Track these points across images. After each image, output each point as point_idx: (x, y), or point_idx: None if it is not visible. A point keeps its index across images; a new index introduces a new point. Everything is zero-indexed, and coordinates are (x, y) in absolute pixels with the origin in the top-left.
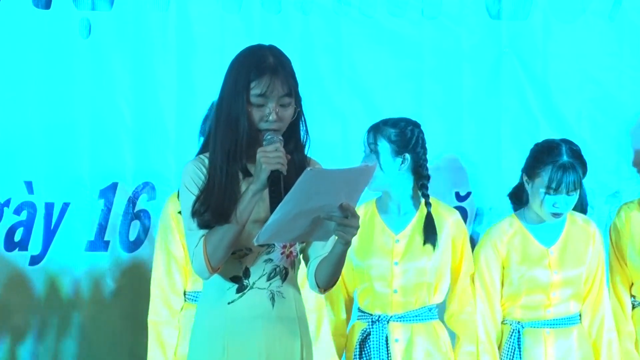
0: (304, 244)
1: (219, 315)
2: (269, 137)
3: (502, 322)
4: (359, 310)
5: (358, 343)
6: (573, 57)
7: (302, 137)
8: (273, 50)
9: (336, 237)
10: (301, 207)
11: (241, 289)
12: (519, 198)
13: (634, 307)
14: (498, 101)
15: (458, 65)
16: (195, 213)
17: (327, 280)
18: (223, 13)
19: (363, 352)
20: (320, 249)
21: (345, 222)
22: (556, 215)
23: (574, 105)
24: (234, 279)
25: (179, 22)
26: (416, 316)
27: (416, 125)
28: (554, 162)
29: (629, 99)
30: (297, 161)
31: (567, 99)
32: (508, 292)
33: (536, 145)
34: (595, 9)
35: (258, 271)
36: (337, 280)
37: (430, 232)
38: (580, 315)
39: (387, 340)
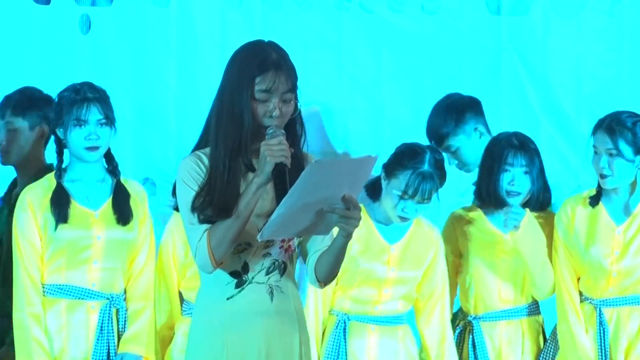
0: (302, 239)
1: (218, 311)
2: (271, 131)
3: (330, 312)
4: (191, 308)
5: None
6: (573, 53)
7: (298, 131)
8: (274, 46)
9: (335, 231)
10: (305, 200)
11: (240, 284)
12: (374, 191)
13: (581, 302)
14: (498, 97)
15: (458, 61)
16: (196, 208)
17: (327, 274)
18: (224, 9)
19: None
20: (320, 243)
21: (348, 213)
22: (403, 219)
23: (574, 101)
24: (233, 274)
25: (180, 17)
26: None
27: None
28: (415, 168)
29: (629, 95)
30: (294, 155)
31: (567, 95)
32: (342, 281)
33: (402, 145)
34: (595, 5)
35: (257, 266)
36: (337, 273)
37: None
38: (405, 316)
39: None
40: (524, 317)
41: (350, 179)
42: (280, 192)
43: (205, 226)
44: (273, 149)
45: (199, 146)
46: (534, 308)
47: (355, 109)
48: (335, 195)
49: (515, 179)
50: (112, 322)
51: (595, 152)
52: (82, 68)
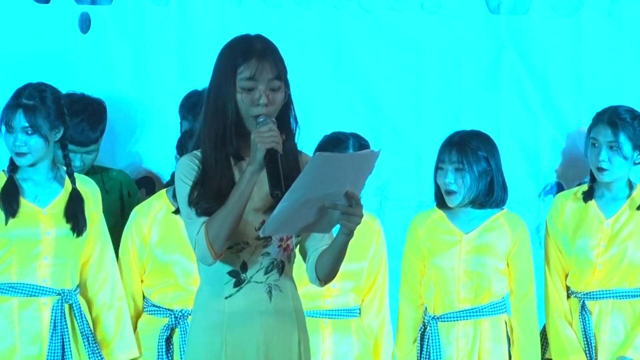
0: (300, 237)
1: (217, 310)
2: (261, 119)
3: None
4: (152, 305)
5: (164, 340)
6: (572, 52)
7: (292, 125)
8: (260, 38)
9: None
10: (308, 195)
11: (239, 283)
12: None
13: (569, 297)
14: (497, 96)
15: (457, 60)
16: (192, 202)
17: (328, 273)
18: (223, 7)
19: (170, 348)
20: (319, 242)
21: (350, 210)
22: None
23: (573, 100)
24: (232, 273)
25: (179, 16)
26: None
27: None
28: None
29: (628, 94)
30: (288, 149)
31: (566, 94)
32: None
33: (325, 137)
34: (594, 4)
35: (256, 265)
36: (337, 272)
37: None
38: (359, 310)
39: None
40: (485, 317)
41: (353, 175)
42: (273, 178)
43: (203, 219)
44: (263, 136)
45: (196, 146)
46: (496, 307)
47: (354, 108)
48: (337, 191)
49: (448, 177)
50: (65, 318)
51: (594, 145)
52: (82, 67)
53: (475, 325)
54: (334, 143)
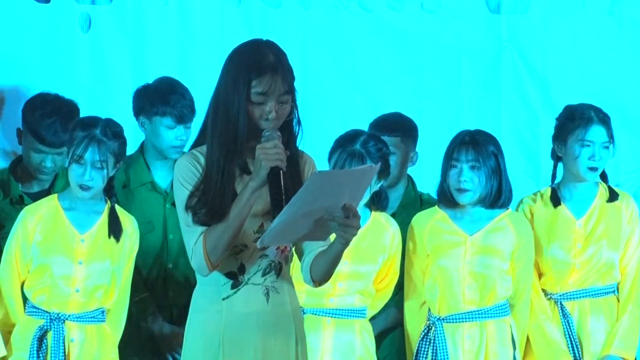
0: None
1: (214, 311)
2: (267, 133)
3: None
4: (32, 306)
5: (36, 340)
6: (573, 51)
7: (294, 129)
8: (272, 47)
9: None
10: (306, 208)
11: (236, 285)
12: None
13: None
14: (498, 95)
15: (458, 60)
16: (190, 208)
17: (322, 276)
18: (223, 7)
19: (40, 350)
20: (315, 243)
21: (347, 222)
22: None
23: (574, 99)
24: (229, 275)
25: (179, 16)
26: (92, 317)
27: None
28: (344, 147)
29: (629, 93)
30: (291, 154)
31: (567, 93)
32: (296, 276)
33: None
34: (594, 3)
35: (253, 267)
36: (332, 275)
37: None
38: (366, 310)
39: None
40: (490, 319)
41: (351, 188)
42: (275, 196)
43: (201, 229)
44: (268, 153)
45: (196, 144)
46: (501, 310)
47: (354, 108)
48: (335, 204)
49: (463, 175)
50: None
51: (587, 146)
52: (83, 66)
53: (481, 327)
54: (345, 137)
